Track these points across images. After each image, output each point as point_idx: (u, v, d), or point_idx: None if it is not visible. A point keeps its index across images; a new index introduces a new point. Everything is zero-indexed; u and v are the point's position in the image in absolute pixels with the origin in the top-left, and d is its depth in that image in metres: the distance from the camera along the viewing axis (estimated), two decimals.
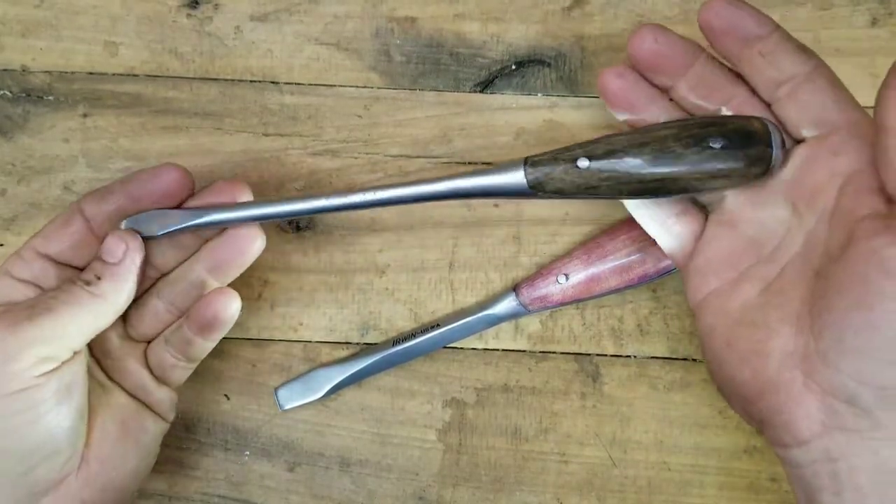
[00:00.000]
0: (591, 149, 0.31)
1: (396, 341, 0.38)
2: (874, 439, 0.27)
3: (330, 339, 0.40)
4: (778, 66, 0.31)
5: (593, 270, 0.38)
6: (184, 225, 0.33)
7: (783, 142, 0.31)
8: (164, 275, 0.35)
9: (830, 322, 0.28)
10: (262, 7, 0.40)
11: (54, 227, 0.33)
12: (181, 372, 0.36)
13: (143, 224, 0.33)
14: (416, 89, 0.40)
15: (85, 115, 0.40)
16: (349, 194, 0.33)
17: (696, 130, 0.30)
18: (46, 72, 0.40)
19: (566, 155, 0.31)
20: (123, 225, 0.33)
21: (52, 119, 0.40)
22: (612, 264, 0.38)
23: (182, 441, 0.39)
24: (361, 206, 0.33)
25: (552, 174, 0.31)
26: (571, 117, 0.40)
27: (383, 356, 0.38)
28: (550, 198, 0.32)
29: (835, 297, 0.28)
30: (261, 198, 0.34)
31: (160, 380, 0.35)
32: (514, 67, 0.40)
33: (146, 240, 0.33)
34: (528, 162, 0.32)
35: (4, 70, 0.40)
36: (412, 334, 0.38)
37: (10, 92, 0.40)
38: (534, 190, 0.32)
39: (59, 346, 0.30)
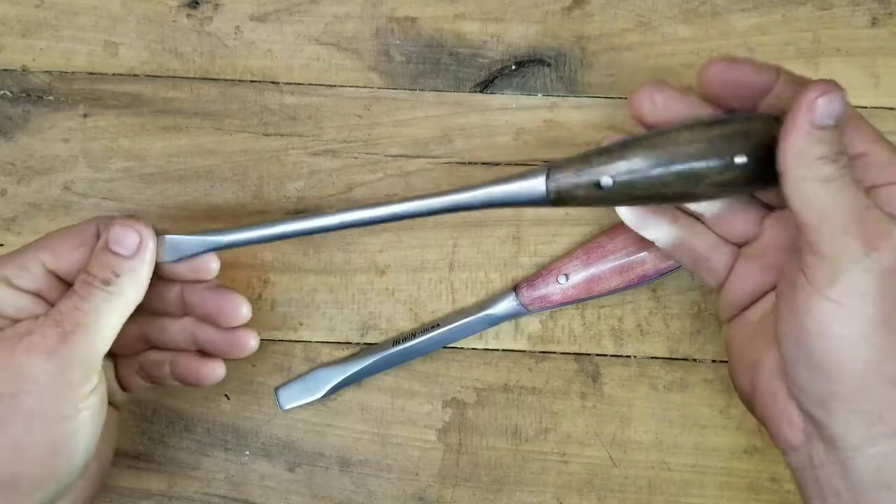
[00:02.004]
0: (614, 167, 0.30)
1: (396, 341, 0.38)
2: (840, 450, 0.28)
3: (330, 339, 0.40)
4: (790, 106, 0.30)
5: (593, 270, 0.38)
6: (198, 251, 0.32)
7: None
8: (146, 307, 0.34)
9: (777, 334, 0.29)
10: (262, 7, 0.40)
11: (65, 242, 0.32)
12: (144, 389, 0.36)
13: (159, 250, 0.32)
14: (416, 89, 0.40)
15: (85, 116, 0.40)
16: (363, 209, 0.32)
17: (721, 145, 0.29)
18: (47, 72, 0.40)
19: (588, 172, 0.30)
20: None
21: (52, 119, 0.40)
22: (612, 264, 0.38)
23: (182, 441, 0.39)
24: (376, 221, 0.32)
25: (575, 193, 0.30)
26: (571, 117, 0.40)
27: (383, 356, 0.38)
28: (568, 207, 0.32)
29: (775, 312, 0.30)
30: (274, 219, 0.33)
31: (123, 386, 0.36)
32: (514, 67, 0.40)
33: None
34: (549, 176, 0.31)
35: (5, 70, 0.40)
36: (412, 334, 0.38)
37: (11, 92, 0.40)
38: (555, 204, 0.31)
39: (95, 360, 0.30)
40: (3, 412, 0.29)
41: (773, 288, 0.32)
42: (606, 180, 0.30)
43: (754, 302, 0.33)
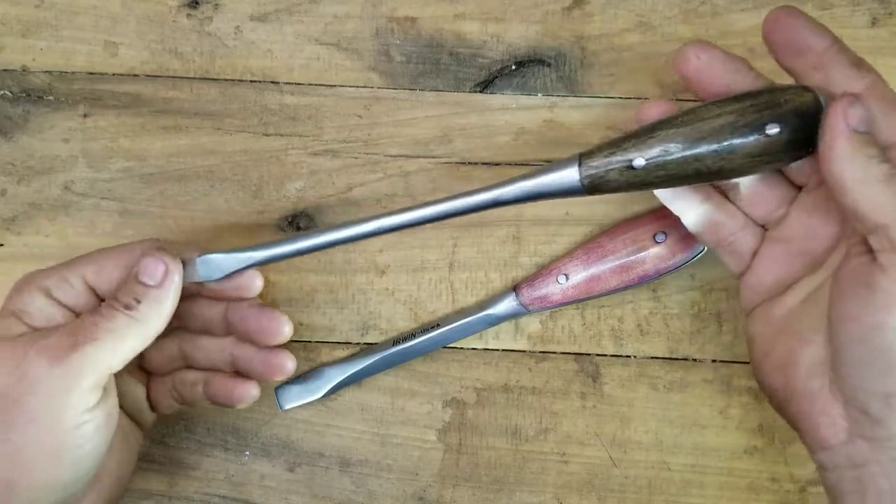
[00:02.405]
0: (645, 147, 0.30)
1: (396, 341, 0.38)
2: (892, 448, 0.28)
3: (330, 339, 0.40)
4: (831, 82, 0.30)
5: (593, 270, 0.38)
6: (240, 267, 0.33)
7: None
8: (185, 325, 0.35)
9: (832, 332, 0.29)
10: (262, 7, 0.40)
11: (110, 261, 0.32)
12: (175, 409, 0.37)
13: (201, 269, 0.33)
14: (416, 89, 0.40)
15: (85, 116, 0.40)
16: (397, 214, 0.32)
17: (753, 117, 0.29)
18: (47, 72, 0.40)
19: (621, 155, 0.30)
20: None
21: (52, 119, 0.40)
22: (612, 264, 0.38)
23: (182, 441, 0.39)
24: (413, 224, 0.32)
25: (608, 177, 0.30)
26: (571, 117, 0.40)
27: (383, 356, 0.38)
28: (603, 194, 0.31)
29: (833, 308, 0.29)
30: (309, 231, 0.33)
31: (153, 406, 0.36)
32: (514, 67, 0.40)
33: (200, 284, 0.33)
34: (581, 163, 0.31)
35: (5, 70, 0.40)
36: (412, 334, 0.38)
37: (11, 92, 0.40)
38: (589, 191, 0.31)
39: (103, 374, 0.30)
40: (8, 415, 0.29)
41: (797, 280, 0.32)
42: (639, 161, 0.30)
43: (779, 294, 0.32)
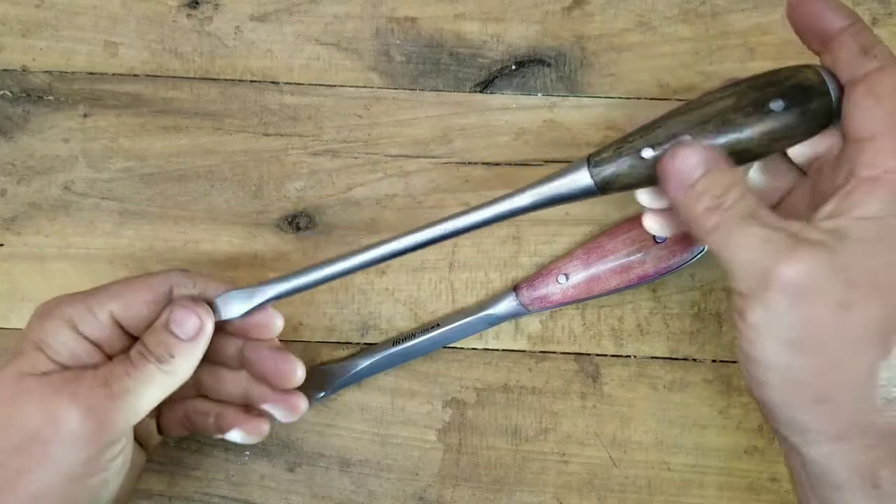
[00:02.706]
0: (653, 136, 0.30)
1: (396, 341, 0.38)
2: (795, 450, 0.29)
3: (330, 339, 0.40)
4: (836, 66, 0.29)
5: (593, 270, 0.38)
6: (259, 303, 0.33)
7: (841, 88, 0.29)
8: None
9: None
10: (262, 7, 0.40)
11: (137, 295, 0.32)
12: (182, 434, 0.37)
13: (222, 308, 0.33)
14: (416, 89, 0.40)
15: (85, 115, 0.40)
16: (417, 232, 0.32)
17: (755, 95, 0.29)
18: (47, 72, 0.40)
19: (628, 148, 0.30)
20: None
21: (52, 119, 0.40)
22: (612, 264, 0.38)
23: (182, 441, 0.39)
24: (432, 242, 0.32)
25: (619, 172, 0.30)
26: (571, 117, 0.40)
27: (383, 356, 0.38)
28: (618, 192, 0.31)
29: None
30: (328, 259, 0.33)
31: (161, 429, 0.36)
32: (514, 67, 0.40)
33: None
34: (591, 163, 0.30)
35: (5, 70, 0.40)
36: (412, 334, 0.38)
37: (11, 92, 0.40)
38: (603, 190, 0.31)
39: (130, 424, 0.30)
40: (32, 458, 0.28)
41: None
42: (647, 151, 0.30)
43: None
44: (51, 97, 0.40)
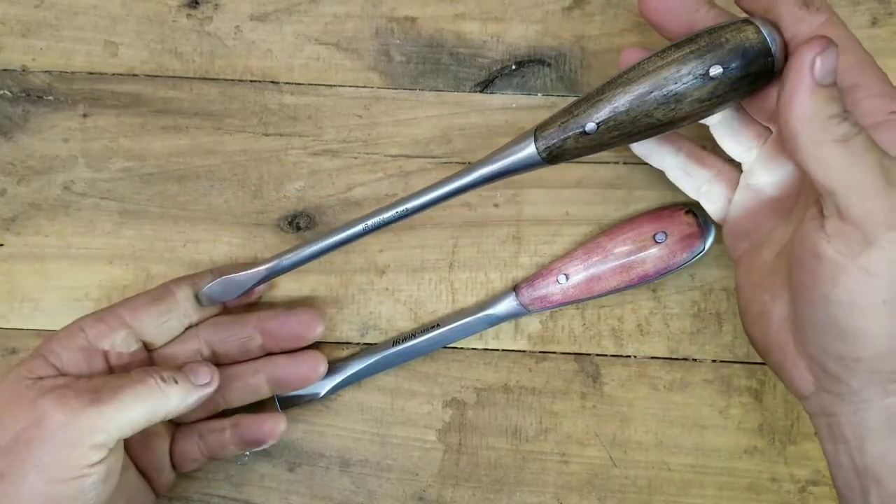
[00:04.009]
0: (595, 110, 0.30)
1: (396, 341, 0.38)
2: (852, 402, 0.28)
3: (330, 339, 0.40)
4: (779, 23, 0.29)
5: (593, 270, 0.38)
6: (255, 282, 0.35)
7: (784, 43, 0.29)
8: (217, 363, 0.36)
9: (791, 293, 0.29)
10: (261, 7, 0.40)
11: (144, 301, 0.34)
12: (197, 465, 0.37)
13: (219, 292, 0.35)
14: (416, 89, 0.40)
15: (85, 115, 0.40)
16: (384, 211, 0.34)
17: (694, 63, 0.29)
18: (46, 72, 0.40)
19: (573, 123, 0.31)
20: (202, 296, 0.35)
21: (51, 119, 0.40)
22: (612, 264, 0.37)
23: None
24: (397, 218, 0.34)
25: (564, 145, 0.31)
26: None
27: (383, 356, 0.38)
28: (565, 162, 0.32)
29: (790, 272, 0.29)
30: (309, 238, 0.35)
31: (174, 465, 0.36)
32: (514, 67, 0.40)
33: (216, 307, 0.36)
34: (537, 137, 0.31)
35: (4, 70, 0.40)
36: (412, 334, 0.38)
37: (10, 92, 0.40)
38: (550, 162, 0.32)
39: (114, 436, 0.30)
40: (16, 459, 0.29)
41: (771, 230, 0.32)
42: (591, 125, 0.30)
43: (759, 245, 0.32)
44: (50, 97, 0.40)
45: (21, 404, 0.29)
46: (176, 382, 0.32)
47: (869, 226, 0.26)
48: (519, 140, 0.32)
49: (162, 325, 0.34)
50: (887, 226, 0.25)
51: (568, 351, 0.39)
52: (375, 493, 0.39)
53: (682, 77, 0.29)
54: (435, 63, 0.40)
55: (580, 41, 0.40)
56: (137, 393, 0.30)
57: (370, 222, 0.34)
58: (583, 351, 0.39)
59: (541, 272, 0.38)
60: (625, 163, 0.39)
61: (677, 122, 0.30)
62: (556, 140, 0.31)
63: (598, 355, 0.39)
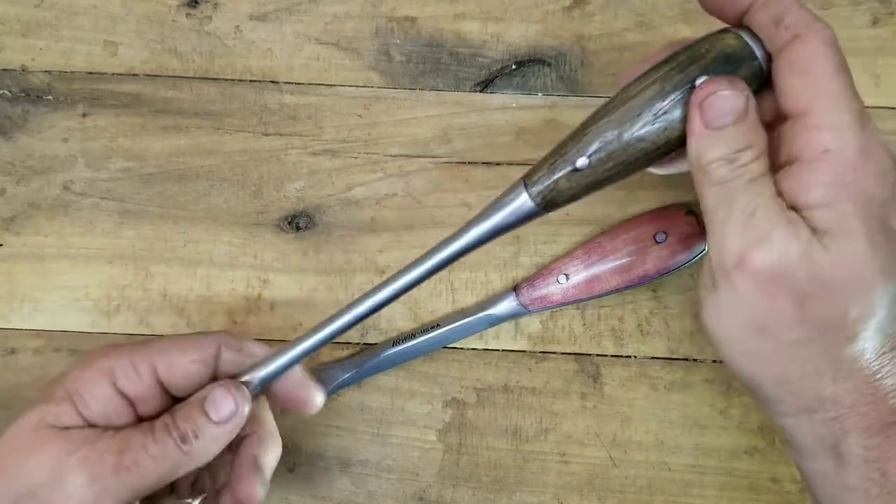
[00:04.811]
0: (584, 144, 0.28)
1: (396, 341, 0.38)
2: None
3: None
4: (764, 41, 0.28)
5: (593, 270, 0.38)
6: (278, 372, 0.32)
7: (766, 49, 0.28)
8: None
9: None
10: (261, 7, 0.40)
11: (184, 355, 0.31)
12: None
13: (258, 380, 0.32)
14: (416, 89, 0.40)
15: (84, 115, 0.40)
16: (388, 284, 0.31)
17: (678, 77, 0.27)
18: (46, 71, 0.40)
19: (562, 161, 0.29)
20: (253, 386, 0.31)
21: (51, 119, 0.40)
22: (612, 264, 0.37)
23: None
24: (385, 303, 0.31)
25: (557, 187, 0.29)
26: (572, 117, 0.40)
27: (383, 356, 0.38)
28: (564, 207, 0.30)
29: None
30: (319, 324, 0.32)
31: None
32: (514, 67, 0.40)
33: None
34: (527, 185, 0.29)
35: (4, 70, 0.40)
36: (412, 334, 0.38)
37: (10, 92, 0.40)
38: (547, 209, 0.29)
39: (131, 498, 0.29)
40: None
41: None
42: (582, 161, 0.28)
43: None
44: (50, 97, 0.40)
45: (43, 456, 0.28)
46: (197, 437, 0.30)
47: (718, 263, 0.27)
48: (508, 192, 0.30)
49: (193, 379, 0.32)
50: (732, 265, 0.26)
51: (568, 351, 0.39)
52: (375, 493, 0.39)
53: (667, 94, 0.27)
54: (435, 63, 0.40)
55: (580, 41, 0.40)
56: (160, 456, 0.29)
57: (362, 307, 0.31)
58: (583, 351, 0.39)
59: (541, 272, 0.38)
60: None
61: (673, 142, 0.28)
62: (548, 183, 0.29)
63: (598, 355, 0.39)
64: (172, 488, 0.34)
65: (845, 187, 0.25)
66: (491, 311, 0.38)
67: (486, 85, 0.40)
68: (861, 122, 0.26)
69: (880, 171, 0.26)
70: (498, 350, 0.39)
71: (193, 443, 0.30)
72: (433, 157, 0.40)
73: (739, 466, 0.38)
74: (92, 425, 0.30)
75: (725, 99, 0.26)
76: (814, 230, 0.26)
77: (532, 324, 0.39)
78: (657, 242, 0.37)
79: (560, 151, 0.29)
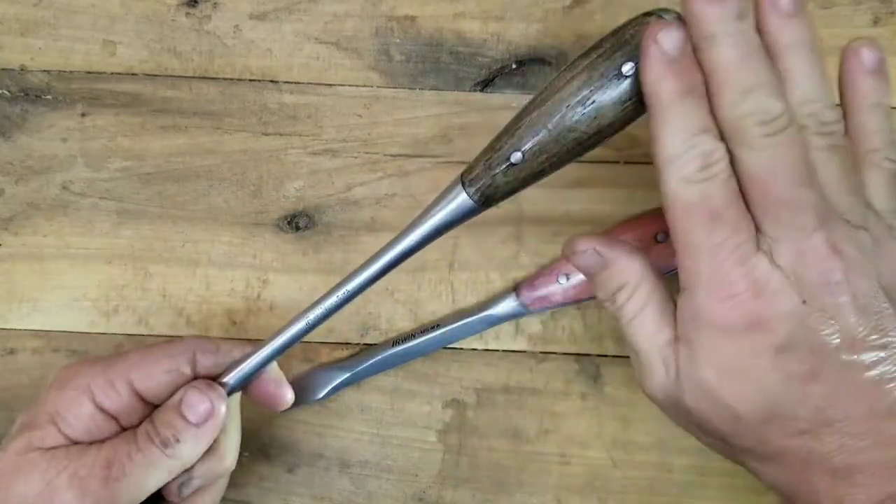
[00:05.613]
0: (516, 139, 0.29)
1: (396, 342, 0.38)
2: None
3: (330, 339, 0.39)
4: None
5: None
6: (255, 370, 0.33)
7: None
8: None
9: None
10: (261, 6, 0.40)
11: (158, 365, 0.32)
12: None
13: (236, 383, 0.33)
14: (416, 88, 0.40)
15: (83, 115, 0.40)
16: (326, 297, 0.32)
17: (605, 64, 0.27)
18: (45, 71, 0.40)
19: (497, 157, 0.29)
20: (230, 386, 0.32)
21: (50, 118, 0.40)
22: None
23: None
24: (341, 303, 0.32)
25: (495, 183, 0.29)
26: None
27: (383, 357, 0.38)
28: (503, 201, 0.30)
29: None
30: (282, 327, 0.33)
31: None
32: (514, 66, 0.40)
33: None
34: (465, 183, 0.30)
35: (3, 69, 0.40)
36: (412, 334, 0.38)
37: (9, 91, 0.40)
38: (486, 205, 0.30)
39: None
40: None
41: None
42: (516, 155, 0.28)
43: None
44: (49, 96, 0.40)
45: (31, 477, 0.29)
46: (178, 441, 0.30)
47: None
48: (447, 191, 0.30)
49: (170, 387, 0.32)
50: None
51: (569, 351, 0.39)
52: (375, 494, 0.39)
53: (594, 82, 0.27)
54: (435, 62, 0.40)
55: (581, 40, 0.40)
56: (147, 464, 0.30)
57: (311, 317, 0.32)
58: (583, 351, 0.39)
59: (541, 272, 0.38)
60: (625, 162, 0.39)
61: (604, 130, 0.28)
62: (485, 180, 0.29)
63: (599, 356, 0.39)
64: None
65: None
66: (491, 312, 0.38)
67: (486, 84, 0.40)
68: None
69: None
70: (498, 350, 0.39)
71: (176, 446, 0.30)
72: (433, 156, 0.40)
73: (741, 467, 0.38)
74: (76, 442, 0.30)
75: (583, 258, 0.30)
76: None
77: (532, 324, 0.39)
78: (657, 242, 0.37)
79: (495, 147, 0.29)
